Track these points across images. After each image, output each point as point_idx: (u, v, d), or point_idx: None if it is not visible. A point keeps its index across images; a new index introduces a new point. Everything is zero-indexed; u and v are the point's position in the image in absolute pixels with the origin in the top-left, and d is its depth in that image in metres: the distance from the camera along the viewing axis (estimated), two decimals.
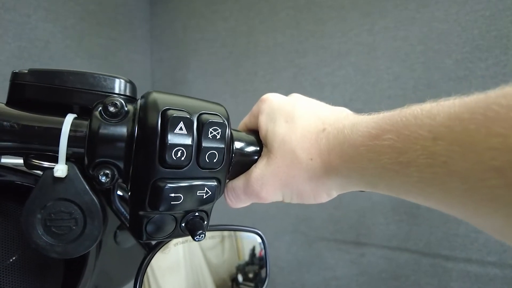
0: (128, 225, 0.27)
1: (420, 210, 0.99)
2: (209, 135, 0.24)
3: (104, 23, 1.36)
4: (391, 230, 1.06)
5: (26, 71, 0.23)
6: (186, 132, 0.23)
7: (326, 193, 0.27)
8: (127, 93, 0.25)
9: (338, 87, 1.15)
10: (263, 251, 0.45)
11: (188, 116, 0.23)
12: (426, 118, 0.18)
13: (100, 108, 0.22)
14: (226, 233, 0.45)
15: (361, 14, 1.11)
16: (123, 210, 0.29)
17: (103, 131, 0.22)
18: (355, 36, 1.12)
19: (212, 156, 0.24)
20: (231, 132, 0.27)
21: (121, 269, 0.44)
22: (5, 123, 0.22)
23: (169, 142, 0.22)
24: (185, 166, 0.23)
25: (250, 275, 0.46)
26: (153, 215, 0.24)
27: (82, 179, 0.23)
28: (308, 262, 1.21)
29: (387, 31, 1.06)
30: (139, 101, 0.24)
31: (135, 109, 0.24)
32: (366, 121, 0.23)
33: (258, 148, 0.29)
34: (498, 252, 0.90)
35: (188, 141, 0.23)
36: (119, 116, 0.23)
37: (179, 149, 0.23)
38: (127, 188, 0.25)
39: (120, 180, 0.24)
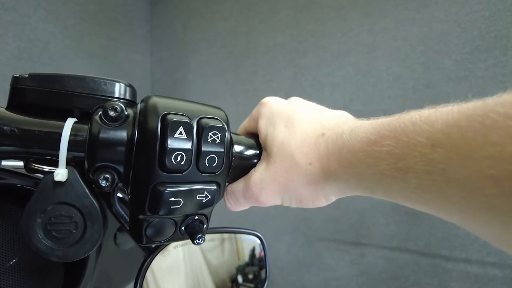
0: (128, 228, 0.27)
1: (420, 210, 0.99)
2: (209, 139, 0.24)
3: (104, 23, 1.36)
4: (391, 230, 1.06)
5: (26, 76, 0.23)
6: (185, 137, 0.23)
7: (324, 197, 0.27)
8: (127, 97, 0.25)
9: (338, 87, 1.15)
10: (263, 252, 0.45)
11: (188, 121, 0.23)
12: (425, 125, 0.18)
13: (100, 112, 0.23)
14: (226, 235, 0.45)
15: (361, 14, 1.11)
16: (123, 213, 0.29)
17: (103, 135, 0.22)
18: (355, 36, 1.12)
19: (211, 160, 0.24)
20: (230, 136, 0.27)
21: (121, 270, 0.44)
22: (5, 127, 0.22)
23: (169, 146, 0.22)
24: (185, 170, 0.23)
25: (250, 276, 0.46)
26: (153, 219, 0.24)
27: (82, 183, 0.23)
28: (308, 263, 1.21)
29: (387, 31, 1.06)
30: (139, 105, 0.24)
31: (135, 113, 0.24)
32: (365, 127, 0.23)
33: (258, 152, 0.29)
34: (498, 253, 0.90)
35: (187, 145, 0.23)
36: (119, 121, 0.23)
37: (179, 154, 0.23)
38: (127, 192, 0.25)
39: (120, 184, 0.24)
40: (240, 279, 0.45)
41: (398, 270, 1.05)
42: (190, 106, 0.25)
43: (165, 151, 0.22)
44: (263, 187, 0.27)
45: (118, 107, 0.23)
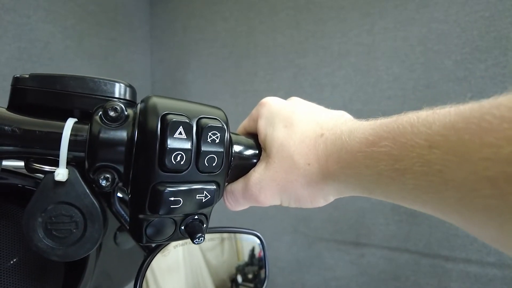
0: (128, 227, 0.27)
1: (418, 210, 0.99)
2: (208, 139, 0.24)
3: (104, 23, 1.36)
4: (391, 230, 1.06)
5: (27, 76, 0.24)
6: (185, 137, 0.23)
7: (323, 198, 0.27)
8: (127, 97, 0.25)
9: (338, 88, 1.16)
10: (262, 252, 0.45)
11: (188, 121, 0.23)
12: (422, 126, 0.18)
13: (101, 112, 0.23)
14: (225, 234, 0.45)
15: (361, 14, 1.11)
16: (123, 213, 0.29)
17: (103, 135, 0.22)
18: (355, 37, 1.12)
19: (211, 160, 0.24)
20: (230, 136, 0.27)
21: (121, 270, 0.44)
22: (6, 127, 0.22)
23: (168, 146, 0.22)
24: (185, 170, 0.24)
25: (250, 276, 0.46)
26: (152, 218, 0.25)
27: (82, 182, 0.23)
28: (308, 263, 1.21)
29: (387, 31, 1.07)
30: (139, 106, 0.25)
31: (135, 113, 0.24)
32: (363, 127, 0.23)
33: (257, 152, 0.29)
34: (497, 253, 0.90)
35: (187, 145, 0.23)
36: (119, 121, 0.23)
37: (179, 153, 0.23)
38: (127, 191, 0.25)
39: (120, 184, 0.24)
40: (239, 278, 0.45)
41: (398, 270, 1.05)
42: (190, 106, 0.25)
43: (165, 151, 0.22)
44: (262, 187, 0.27)
45: (118, 107, 0.23)
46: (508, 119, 0.14)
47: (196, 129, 0.24)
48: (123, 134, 0.23)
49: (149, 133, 0.22)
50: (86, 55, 1.29)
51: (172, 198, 0.23)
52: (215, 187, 0.25)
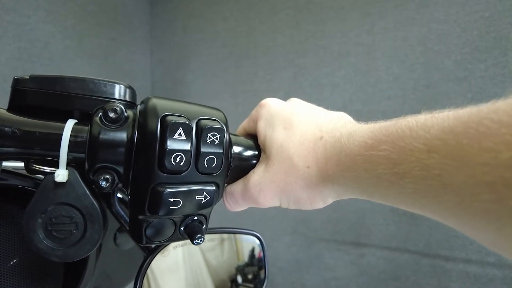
0: (128, 228, 0.28)
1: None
2: (208, 141, 0.24)
3: (104, 23, 1.36)
4: (391, 230, 1.06)
5: (27, 77, 0.24)
6: (185, 138, 0.23)
7: (322, 200, 0.27)
8: (127, 99, 0.25)
9: (338, 88, 1.16)
10: (262, 252, 0.46)
11: (187, 122, 0.23)
12: (421, 130, 0.18)
13: (100, 113, 0.23)
14: (225, 235, 0.45)
15: (361, 14, 1.11)
16: (123, 213, 0.29)
17: (103, 136, 0.22)
18: (355, 37, 1.12)
19: (210, 161, 0.24)
20: (229, 137, 0.27)
21: (120, 270, 0.44)
22: (6, 129, 0.22)
23: (168, 147, 0.22)
24: (184, 171, 0.24)
25: (249, 276, 0.46)
26: (152, 219, 0.25)
27: (82, 183, 0.23)
28: (307, 263, 1.21)
29: (387, 31, 1.07)
30: (138, 107, 0.25)
31: (134, 114, 0.24)
32: (362, 131, 0.23)
33: (256, 153, 0.29)
34: (497, 253, 0.90)
35: (187, 146, 0.23)
36: (119, 122, 0.23)
37: (178, 155, 0.23)
38: (127, 192, 0.25)
39: (120, 185, 0.24)
40: (239, 279, 0.45)
41: (398, 270, 1.05)
42: (189, 107, 0.25)
43: (165, 152, 0.22)
44: (262, 188, 0.27)
45: (118, 109, 0.23)
46: (507, 124, 0.14)
47: (195, 130, 0.24)
48: (123, 135, 0.23)
49: (149, 134, 0.22)
50: (86, 55, 1.29)
51: (172, 199, 0.23)
52: (214, 188, 0.26)
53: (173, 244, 0.40)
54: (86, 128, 0.23)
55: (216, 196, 0.26)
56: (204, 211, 0.27)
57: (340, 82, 1.15)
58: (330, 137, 0.25)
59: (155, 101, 0.24)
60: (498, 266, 0.90)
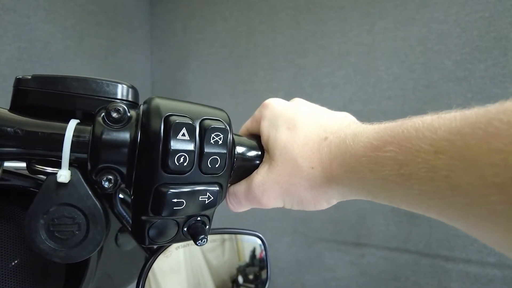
0: (130, 229, 0.27)
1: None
2: (211, 141, 0.24)
3: (104, 23, 1.36)
4: (391, 231, 1.06)
5: (29, 77, 0.24)
6: (188, 138, 0.23)
7: (326, 201, 0.27)
8: (130, 99, 0.25)
9: (338, 88, 1.16)
10: (264, 253, 0.45)
11: (191, 122, 0.23)
12: (428, 131, 0.18)
13: (103, 113, 0.23)
14: (226, 236, 0.45)
15: (361, 14, 1.11)
16: (125, 214, 0.29)
17: (106, 136, 0.22)
18: (355, 37, 1.12)
19: (214, 161, 0.24)
20: (233, 137, 0.27)
21: (122, 271, 0.44)
22: (9, 129, 0.22)
23: (171, 148, 0.22)
24: (188, 172, 0.24)
25: (251, 277, 0.46)
26: (155, 220, 0.24)
27: (85, 184, 0.23)
28: (308, 263, 1.21)
29: (387, 31, 1.07)
30: (141, 107, 0.25)
31: (137, 114, 0.24)
32: (368, 131, 0.23)
33: (260, 153, 0.29)
34: (497, 253, 0.90)
35: (190, 146, 0.23)
36: (122, 122, 0.23)
37: (182, 155, 0.23)
38: (130, 193, 0.25)
39: (122, 185, 0.24)
40: (240, 279, 0.45)
41: (398, 271, 1.05)
42: (193, 107, 0.25)
43: (168, 153, 0.22)
44: (265, 189, 0.27)
45: (120, 109, 0.23)
46: None
47: (199, 131, 0.24)
48: (125, 136, 0.23)
49: (152, 135, 0.22)
50: (86, 55, 1.29)
51: (175, 200, 0.23)
52: (218, 188, 0.25)
53: (175, 245, 0.40)
54: (89, 128, 0.23)
55: (219, 197, 0.26)
56: (207, 212, 0.26)
57: (340, 82, 1.15)
58: (334, 137, 0.25)
59: (158, 101, 0.23)
60: (498, 266, 0.90)
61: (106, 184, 0.23)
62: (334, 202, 0.28)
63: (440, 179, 0.17)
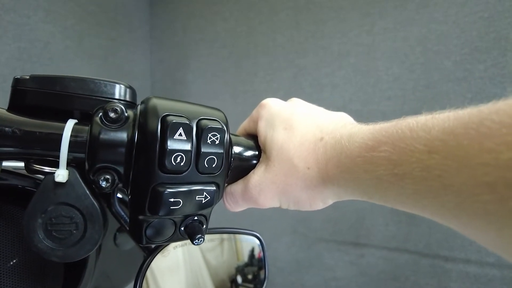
0: (128, 228, 0.27)
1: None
2: (208, 141, 0.24)
3: (104, 23, 1.36)
4: (391, 231, 1.06)
5: (27, 77, 0.24)
6: (185, 138, 0.23)
7: (322, 201, 0.27)
8: (127, 99, 0.25)
9: (337, 88, 1.16)
10: (262, 253, 0.46)
11: (188, 122, 0.23)
12: (422, 131, 0.18)
13: (101, 113, 0.23)
14: (225, 235, 0.45)
15: (361, 14, 1.11)
16: (123, 214, 0.29)
17: (103, 136, 0.22)
18: (355, 37, 1.12)
19: (211, 161, 0.24)
20: (229, 137, 0.27)
21: (120, 270, 0.44)
22: (7, 128, 0.22)
23: (168, 147, 0.22)
24: (185, 171, 0.24)
25: (249, 276, 0.46)
26: (152, 219, 0.25)
27: (82, 184, 0.23)
28: (307, 263, 1.21)
29: (387, 32, 1.07)
30: (139, 107, 0.25)
31: (135, 114, 0.24)
32: (363, 132, 0.23)
33: (257, 153, 0.29)
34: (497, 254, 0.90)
35: (187, 146, 0.23)
36: (120, 122, 0.23)
37: (179, 155, 0.23)
38: (127, 192, 0.25)
39: (120, 185, 0.24)
40: (239, 279, 0.45)
41: (397, 271, 1.05)
42: (190, 107, 0.25)
43: (165, 152, 0.22)
44: (262, 189, 0.27)
45: (118, 109, 0.23)
46: (507, 124, 0.14)
47: (196, 131, 0.24)
48: (123, 135, 0.23)
49: (149, 135, 0.22)
50: (86, 55, 1.29)
51: (172, 199, 0.23)
52: (214, 188, 0.26)
53: (173, 244, 0.40)
54: (87, 128, 0.23)
55: (216, 196, 0.26)
56: (204, 211, 0.27)
57: (340, 82, 1.15)
58: (330, 138, 0.25)
59: (156, 101, 0.24)
60: (497, 266, 0.90)
61: (103, 184, 0.23)
62: (330, 202, 0.28)
63: (433, 179, 0.17)
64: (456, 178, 0.16)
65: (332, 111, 0.30)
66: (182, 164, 0.23)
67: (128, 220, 0.28)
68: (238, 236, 0.46)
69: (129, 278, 0.45)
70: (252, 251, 0.46)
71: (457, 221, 0.17)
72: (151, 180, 0.23)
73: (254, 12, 1.33)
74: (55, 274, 0.34)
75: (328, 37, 1.17)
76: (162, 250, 0.37)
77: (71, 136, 0.22)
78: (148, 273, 0.36)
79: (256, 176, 0.28)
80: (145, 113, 0.23)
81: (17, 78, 0.24)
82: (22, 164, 0.24)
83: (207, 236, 0.27)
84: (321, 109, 0.30)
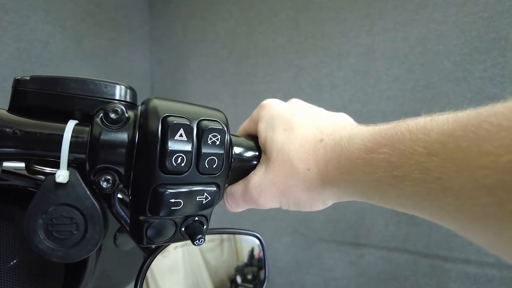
0: (128, 229, 0.28)
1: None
2: (209, 141, 0.24)
3: (104, 24, 1.36)
4: (390, 231, 1.06)
5: (28, 78, 0.24)
6: (186, 139, 0.23)
7: (322, 202, 0.27)
8: (128, 99, 0.25)
9: (337, 88, 1.16)
10: (262, 253, 0.46)
11: (188, 123, 0.23)
12: (421, 134, 0.18)
13: (101, 114, 0.23)
14: (225, 236, 0.45)
15: (360, 15, 1.11)
16: (123, 214, 0.29)
17: (104, 137, 0.22)
18: (354, 37, 1.12)
19: (211, 162, 0.24)
20: (230, 138, 0.27)
21: (121, 271, 0.44)
22: (7, 129, 0.22)
23: (169, 148, 0.22)
24: (185, 172, 0.24)
25: (249, 277, 0.46)
26: (153, 220, 0.25)
27: (83, 184, 0.23)
28: (307, 263, 1.21)
29: (386, 32, 1.07)
30: (139, 108, 0.25)
31: (135, 115, 0.24)
32: (362, 133, 0.23)
33: (257, 154, 0.29)
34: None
35: (188, 147, 0.23)
36: (120, 123, 0.23)
37: (179, 155, 0.23)
38: (128, 193, 0.25)
39: (120, 186, 0.24)
40: (239, 279, 0.46)
41: (397, 271, 1.05)
42: (190, 108, 0.25)
43: (166, 153, 0.22)
44: (262, 190, 0.27)
45: (119, 109, 0.23)
46: (506, 127, 0.14)
47: (196, 131, 0.24)
48: (124, 136, 0.23)
49: (150, 135, 0.23)
50: (86, 55, 1.29)
51: (173, 200, 0.23)
52: (215, 188, 0.26)
53: (173, 245, 0.40)
54: (87, 129, 0.23)
55: (216, 197, 0.26)
56: (204, 212, 0.27)
57: (340, 82, 1.15)
58: (330, 139, 0.25)
59: (156, 102, 0.24)
60: (497, 266, 0.90)
61: (104, 184, 0.23)
62: (330, 203, 0.28)
63: (432, 181, 0.17)
64: (455, 181, 0.16)
65: (332, 112, 0.30)
66: (182, 164, 0.23)
67: (128, 221, 0.28)
68: (238, 236, 0.46)
69: (129, 279, 0.45)
70: (252, 251, 0.46)
71: (456, 223, 0.17)
72: (152, 180, 0.23)
73: (254, 12, 1.33)
74: (56, 274, 0.34)
75: (327, 37, 1.17)
76: (163, 251, 0.37)
77: (71, 137, 0.22)
78: (148, 273, 0.36)
79: (256, 177, 0.28)
80: (145, 114, 0.23)
81: (17, 79, 0.24)
82: (22, 164, 0.24)
83: (207, 237, 0.27)
84: (321, 110, 0.30)
